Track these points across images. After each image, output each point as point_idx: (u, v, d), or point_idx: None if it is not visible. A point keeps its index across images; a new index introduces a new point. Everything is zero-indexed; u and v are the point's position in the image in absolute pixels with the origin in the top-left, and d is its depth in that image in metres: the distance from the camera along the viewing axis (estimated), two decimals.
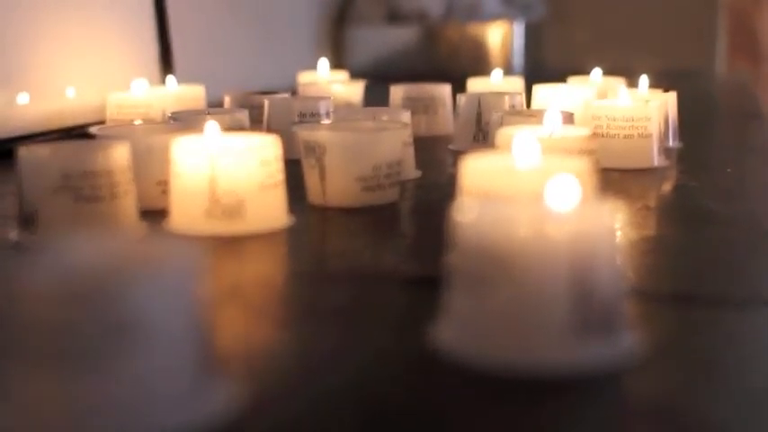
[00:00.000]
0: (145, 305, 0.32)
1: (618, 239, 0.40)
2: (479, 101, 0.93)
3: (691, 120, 1.03)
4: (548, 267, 0.37)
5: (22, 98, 0.99)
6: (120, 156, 0.59)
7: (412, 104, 1.03)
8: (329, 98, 0.93)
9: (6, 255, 0.34)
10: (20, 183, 0.59)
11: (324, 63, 1.29)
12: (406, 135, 0.76)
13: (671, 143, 0.93)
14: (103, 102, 1.03)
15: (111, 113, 1.01)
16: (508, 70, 1.44)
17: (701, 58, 2.04)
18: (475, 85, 1.17)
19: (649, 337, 0.40)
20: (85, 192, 0.58)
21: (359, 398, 0.36)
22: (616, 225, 0.39)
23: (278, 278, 0.52)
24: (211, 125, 0.62)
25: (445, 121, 1.07)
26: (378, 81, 1.27)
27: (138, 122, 0.75)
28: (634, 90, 0.95)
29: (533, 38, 1.97)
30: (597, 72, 1.15)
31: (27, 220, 0.58)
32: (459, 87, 1.10)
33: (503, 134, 0.62)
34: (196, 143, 0.61)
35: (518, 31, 1.90)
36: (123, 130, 0.71)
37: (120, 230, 0.56)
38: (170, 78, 1.11)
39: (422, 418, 0.34)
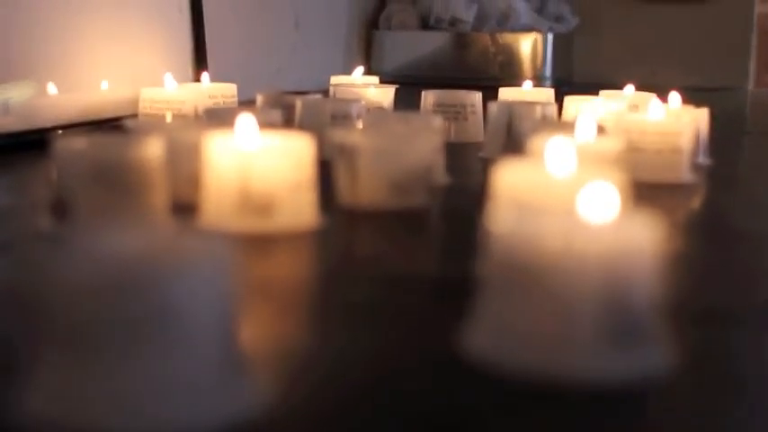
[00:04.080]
0: (176, 297, 0.32)
1: (651, 252, 0.39)
2: (511, 110, 0.93)
3: (721, 136, 1.03)
4: (580, 278, 0.37)
5: (54, 89, 1.00)
6: (153, 150, 0.60)
7: (443, 110, 1.03)
8: (361, 101, 0.93)
9: (39, 245, 0.34)
10: (54, 173, 0.59)
11: (355, 67, 1.29)
12: (438, 140, 0.76)
13: (701, 159, 0.93)
14: (135, 96, 1.04)
15: (143, 108, 1.01)
16: (539, 81, 1.44)
17: (732, 74, 2.03)
18: (506, 93, 1.17)
19: (679, 353, 0.40)
20: (118, 183, 0.58)
21: (384, 399, 0.36)
22: (650, 238, 0.39)
23: (307, 277, 0.53)
24: (245, 122, 0.62)
25: (475, 129, 1.07)
26: (408, 86, 1.28)
27: (170, 117, 0.76)
28: (666, 105, 0.94)
29: (564, 49, 1.97)
30: (629, 88, 1.15)
31: (60, 210, 0.59)
32: (488, 96, 1.10)
33: (536, 142, 0.62)
34: (229, 140, 0.61)
35: (549, 41, 1.89)
36: (157, 125, 0.71)
37: (151, 223, 0.56)
38: (204, 75, 1.11)
39: (448, 423, 0.34)
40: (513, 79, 1.33)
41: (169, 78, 1.04)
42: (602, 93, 1.12)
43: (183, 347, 0.32)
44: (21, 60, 0.96)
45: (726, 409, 0.36)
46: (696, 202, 0.80)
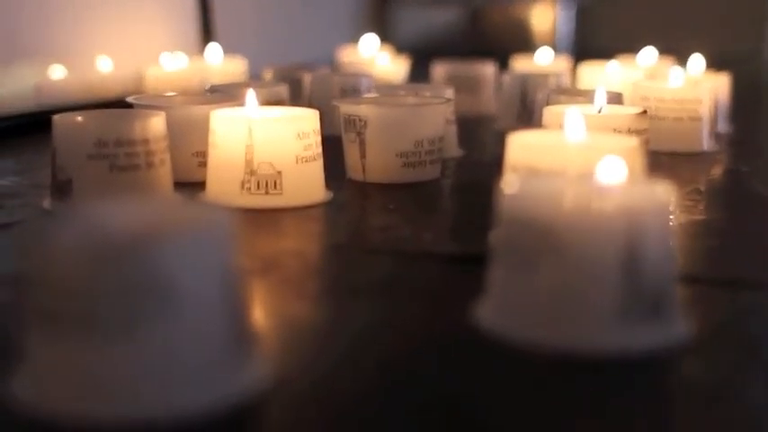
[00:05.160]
0: (177, 271, 0.30)
1: (670, 219, 0.38)
2: (524, 80, 0.91)
3: (742, 103, 1.00)
4: (596, 246, 0.36)
5: (60, 70, 0.99)
6: (155, 125, 0.58)
7: (455, 83, 1.01)
8: (371, 75, 0.91)
9: (39, 221, 0.32)
10: (54, 150, 0.57)
11: (367, 39, 1.26)
12: (449, 111, 0.74)
13: (721, 126, 0.91)
14: (142, 74, 1.02)
15: (149, 86, 1.00)
16: (554, 49, 1.41)
17: (752, 41, 1.99)
18: (519, 64, 1.15)
19: (698, 320, 0.39)
20: (120, 160, 0.56)
21: (393, 374, 0.35)
22: (668, 204, 0.37)
23: (314, 252, 0.51)
24: (250, 96, 0.61)
25: (488, 101, 1.05)
26: (421, 58, 1.25)
27: (173, 94, 0.74)
28: (685, 71, 0.92)
29: (584, 18, 1.94)
30: (647, 51, 1.12)
31: (61, 189, 0.57)
32: (503, 66, 1.08)
33: (550, 112, 0.60)
34: (234, 114, 0.60)
35: (564, 10, 1.87)
36: (160, 100, 0.70)
37: (154, 198, 0.54)
38: (212, 47, 1.09)
39: (459, 397, 0.33)
40: (529, 50, 1.30)
41: (169, 58, 1.02)
42: (618, 57, 1.10)
43: (184, 324, 0.30)
44: (25, 38, 0.94)
45: (745, 374, 0.35)
46: (717, 171, 0.78)
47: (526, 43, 1.80)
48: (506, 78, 0.93)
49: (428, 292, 0.45)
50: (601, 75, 0.98)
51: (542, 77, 0.92)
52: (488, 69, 1.06)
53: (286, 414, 0.31)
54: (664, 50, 1.14)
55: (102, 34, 1.05)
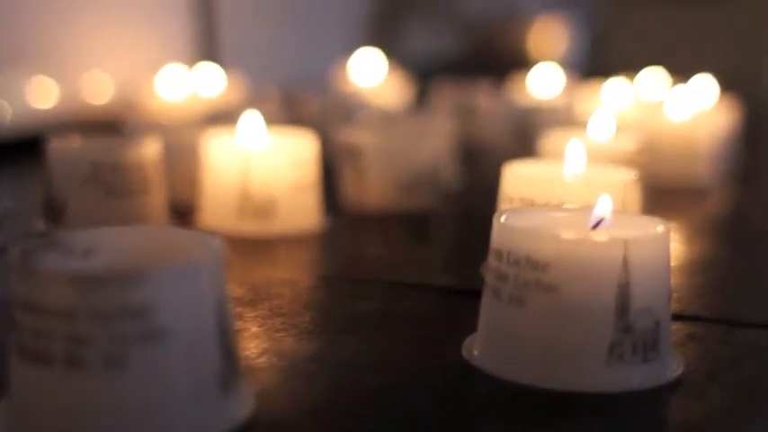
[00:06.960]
0: (165, 302, 0.30)
1: (667, 256, 0.37)
2: (522, 109, 0.91)
3: (748, 137, 1.00)
4: (589, 282, 0.35)
5: (55, 92, 0.98)
6: (151, 151, 0.58)
7: (454, 109, 1.01)
8: (373, 99, 0.91)
9: (28, 247, 0.32)
10: (49, 175, 0.57)
11: (370, 58, 1.25)
12: (447, 140, 0.74)
13: (723, 160, 0.90)
14: (140, 94, 1.02)
15: (148, 108, 0.99)
16: (556, 69, 1.40)
17: (760, 74, 1.99)
18: (520, 92, 1.15)
19: (694, 359, 0.38)
20: (116, 186, 0.56)
21: (381, 406, 0.34)
22: (665, 241, 0.37)
23: (306, 282, 0.51)
24: (246, 121, 0.60)
25: (487, 128, 1.04)
26: (425, 77, 1.25)
27: (171, 118, 0.74)
28: (691, 98, 0.91)
29: (597, 41, 1.95)
30: (650, 73, 1.11)
31: (56, 213, 0.57)
32: (504, 87, 1.08)
33: (547, 142, 0.60)
34: (229, 140, 0.60)
35: (569, 31, 1.87)
36: (156, 126, 0.69)
37: (146, 225, 0.54)
38: (212, 65, 1.09)
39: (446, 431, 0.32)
40: (533, 69, 1.30)
41: (168, 71, 1.02)
42: (624, 75, 1.09)
43: (171, 357, 0.30)
44: (20, 56, 0.94)
45: (739, 413, 0.35)
46: (717, 206, 0.77)
47: (531, 62, 1.81)
48: (506, 107, 0.93)
49: (420, 325, 0.44)
50: (603, 98, 0.97)
51: (541, 105, 0.92)
52: (488, 96, 1.05)
53: None
54: (675, 71, 1.13)
55: (99, 50, 1.05)
